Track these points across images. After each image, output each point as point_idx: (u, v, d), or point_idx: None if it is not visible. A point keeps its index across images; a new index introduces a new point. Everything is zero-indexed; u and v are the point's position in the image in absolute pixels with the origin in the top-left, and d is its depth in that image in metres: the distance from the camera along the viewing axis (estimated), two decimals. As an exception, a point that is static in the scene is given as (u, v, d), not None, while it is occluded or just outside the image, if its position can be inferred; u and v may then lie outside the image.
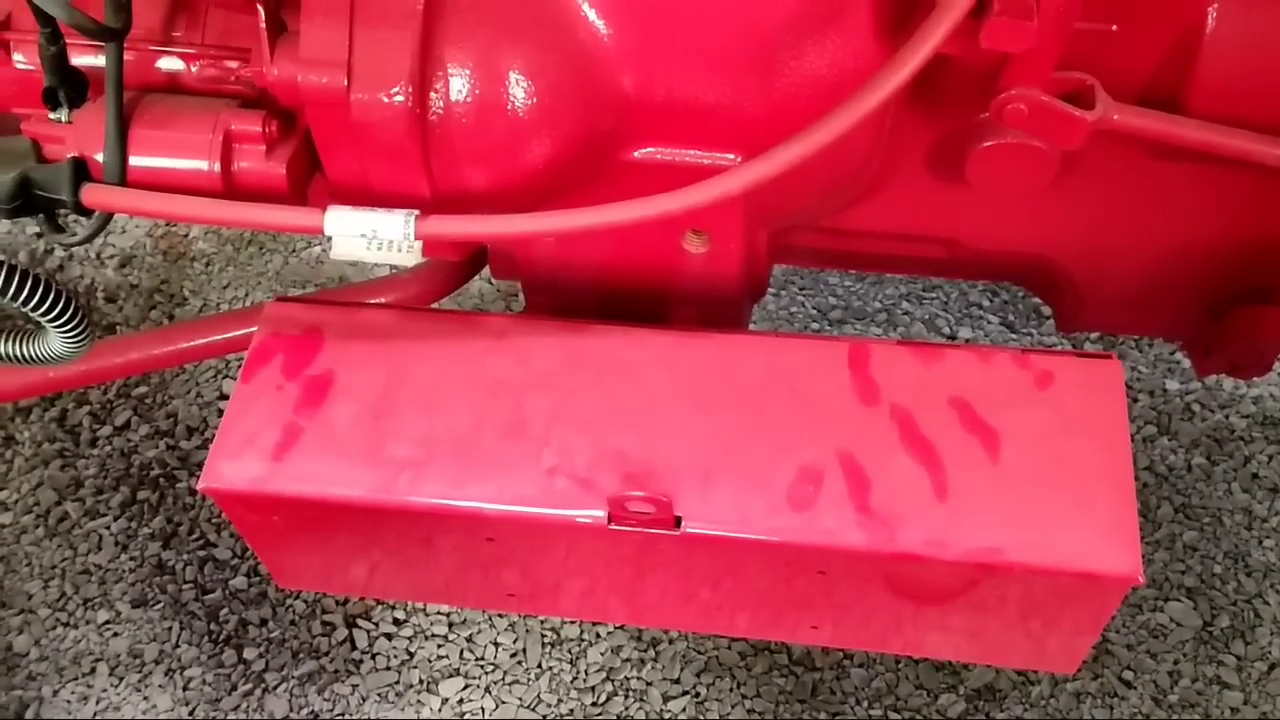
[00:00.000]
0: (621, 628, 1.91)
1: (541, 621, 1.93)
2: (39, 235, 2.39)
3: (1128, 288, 1.38)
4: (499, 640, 1.92)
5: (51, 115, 1.14)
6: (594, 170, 1.17)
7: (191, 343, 1.53)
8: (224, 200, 1.11)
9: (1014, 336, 2.21)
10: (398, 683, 1.89)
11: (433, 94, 1.08)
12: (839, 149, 1.03)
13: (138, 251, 2.39)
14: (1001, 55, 1.05)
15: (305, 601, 1.97)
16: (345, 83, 1.05)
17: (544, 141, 1.11)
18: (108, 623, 1.96)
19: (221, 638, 1.94)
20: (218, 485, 1.14)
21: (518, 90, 1.09)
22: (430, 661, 1.91)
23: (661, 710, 1.85)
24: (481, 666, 1.90)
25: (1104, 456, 1.11)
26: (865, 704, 1.84)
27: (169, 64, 1.18)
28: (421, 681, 1.89)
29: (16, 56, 1.20)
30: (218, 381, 2.20)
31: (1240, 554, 1.97)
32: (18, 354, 1.28)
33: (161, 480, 2.10)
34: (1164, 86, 1.16)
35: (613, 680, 1.88)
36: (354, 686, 1.89)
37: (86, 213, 1.13)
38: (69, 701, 1.89)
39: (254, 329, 1.24)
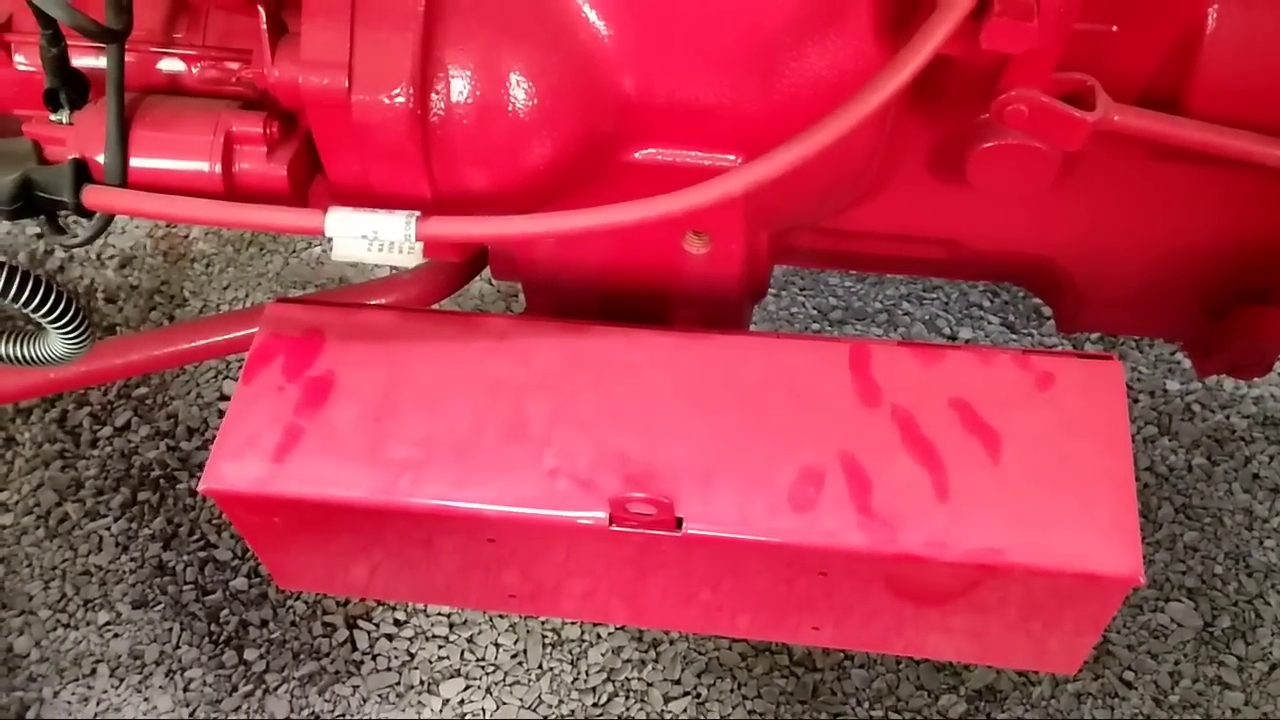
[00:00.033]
0: (622, 628, 1.91)
1: (542, 622, 1.93)
2: (39, 236, 2.39)
3: (1128, 288, 1.38)
4: (500, 641, 1.92)
5: (53, 117, 1.14)
6: (595, 171, 1.17)
7: (192, 344, 1.54)
8: (225, 202, 1.11)
9: (1014, 337, 2.21)
10: (398, 684, 1.89)
11: (434, 95, 1.08)
12: (840, 150, 1.03)
13: (138, 252, 2.39)
14: (1002, 56, 1.05)
15: (306, 602, 1.97)
16: (346, 84, 1.05)
17: (545, 143, 1.11)
18: (108, 624, 1.96)
19: (222, 639, 1.94)
20: (219, 486, 1.14)
21: (519, 91, 1.09)
22: (431, 662, 1.91)
23: (662, 711, 1.85)
24: (482, 667, 1.90)
25: (1105, 457, 1.11)
26: (866, 705, 1.84)
27: (170, 65, 1.18)
28: (422, 682, 1.89)
29: (18, 58, 1.20)
30: (218, 382, 2.20)
31: (1241, 554, 1.97)
32: (18, 355, 1.28)
33: (162, 481, 2.10)
34: (1164, 87, 1.16)
35: (613, 681, 1.88)
36: (355, 687, 1.89)
37: (88, 214, 1.14)
38: (69, 703, 1.89)
39: (254, 330, 1.24)
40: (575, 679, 1.88)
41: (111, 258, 2.38)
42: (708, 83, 1.12)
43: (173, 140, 1.12)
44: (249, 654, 1.92)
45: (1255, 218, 1.28)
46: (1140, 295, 1.38)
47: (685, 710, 1.85)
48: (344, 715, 1.87)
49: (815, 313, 2.26)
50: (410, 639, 1.93)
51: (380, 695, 1.88)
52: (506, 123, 1.09)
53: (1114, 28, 1.13)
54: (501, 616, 1.94)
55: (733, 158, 1.17)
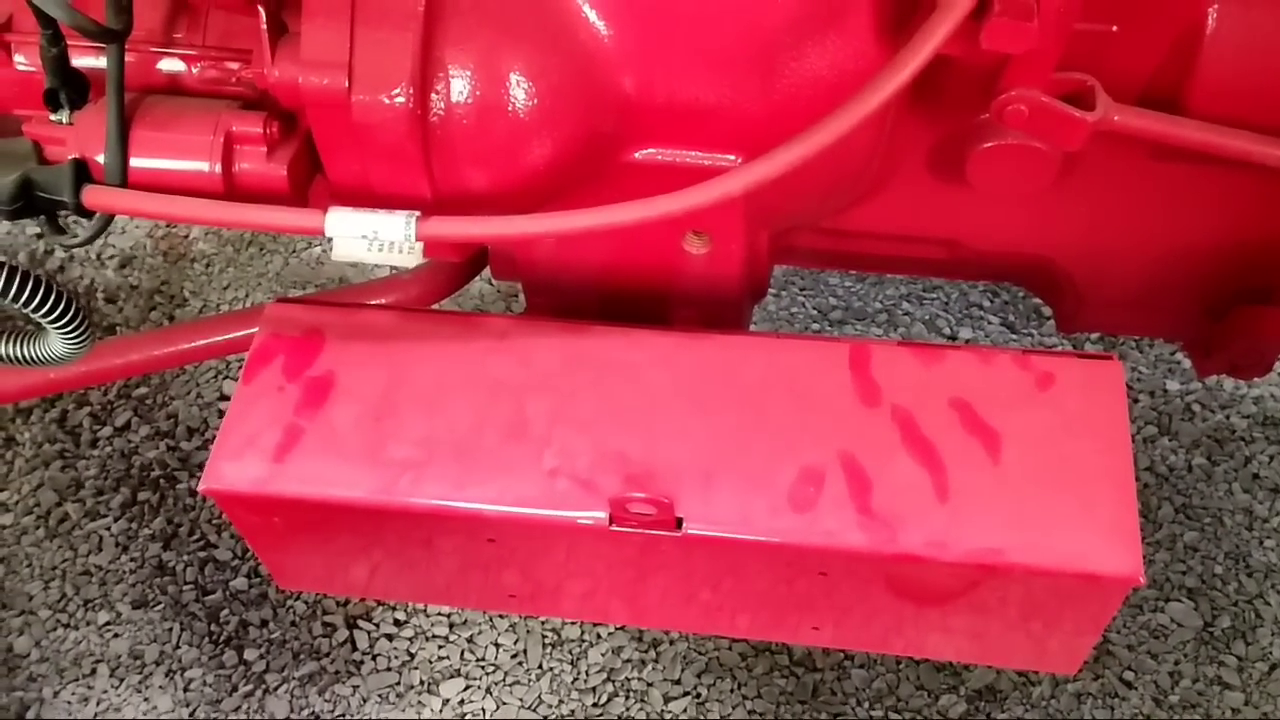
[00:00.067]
0: (622, 628, 1.91)
1: (542, 622, 1.93)
2: (39, 236, 2.39)
3: (1128, 288, 1.38)
4: (500, 641, 1.92)
5: (53, 117, 1.14)
6: (595, 171, 1.17)
7: (192, 344, 1.54)
8: (225, 202, 1.11)
9: (1014, 337, 2.21)
10: (399, 684, 1.89)
11: (434, 95, 1.08)
12: (840, 150, 1.03)
13: (138, 252, 2.39)
14: (1002, 56, 1.05)
15: (306, 602, 1.97)
16: (346, 84, 1.05)
17: (545, 143, 1.11)
18: (108, 624, 1.96)
19: (222, 639, 1.94)
20: (219, 486, 1.14)
21: (519, 92, 1.09)
22: (431, 662, 1.91)
23: (662, 711, 1.85)
24: (482, 667, 1.90)
25: (1105, 457, 1.11)
26: (866, 705, 1.84)
27: (170, 65, 1.18)
28: (422, 682, 1.89)
29: (18, 58, 1.20)
30: (218, 382, 2.20)
31: (1241, 554, 1.97)
32: (18, 355, 1.28)
33: (162, 481, 2.10)
34: (1164, 87, 1.16)
35: (614, 681, 1.88)
36: (355, 687, 1.89)
37: (88, 214, 1.14)
38: (69, 703, 1.89)
39: (254, 330, 1.24)
40: (575, 679, 1.88)
41: (111, 258, 2.38)
42: (708, 83, 1.12)
43: (173, 140, 1.12)
44: (249, 654, 1.92)
45: (1255, 218, 1.28)
46: (1140, 295, 1.39)
47: (685, 710, 1.85)
48: (344, 715, 1.87)
49: (815, 313, 2.26)
50: (410, 639, 1.93)
51: (380, 695, 1.88)
52: (506, 123, 1.09)
53: (1114, 28, 1.13)
54: (501, 616, 1.94)
55: (733, 158, 1.17)
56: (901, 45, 1.01)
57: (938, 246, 1.39)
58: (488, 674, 1.90)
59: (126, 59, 1.11)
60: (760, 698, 1.86)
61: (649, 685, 1.87)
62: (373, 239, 1.09)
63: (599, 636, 1.92)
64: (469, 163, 1.11)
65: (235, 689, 1.89)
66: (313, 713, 1.87)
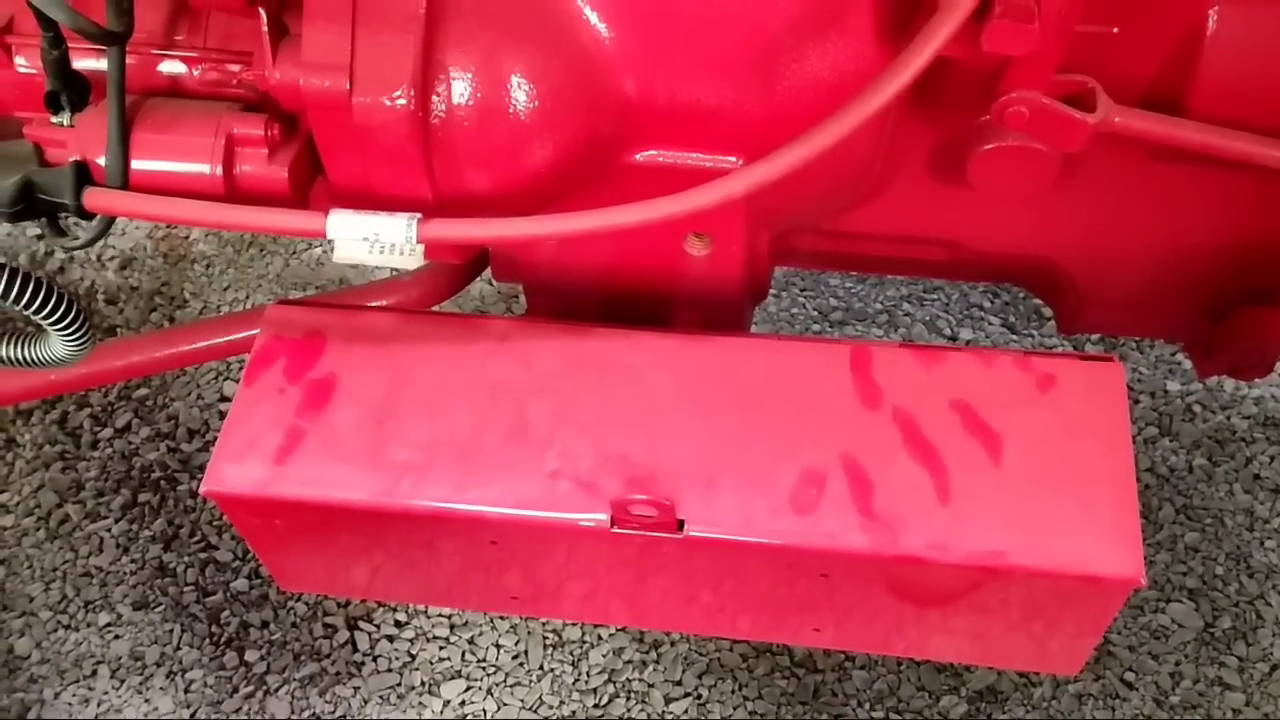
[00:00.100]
0: (623, 630, 1.91)
1: (543, 623, 1.93)
2: (40, 238, 2.39)
3: (1129, 289, 1.38)
4: (500, 642, 1.92)
5: (53, 119, 1.14)
6: (596, 173, 1.17)
7: (193, 345, 1.54)
8: (226, 204, 1.11)
9: (1015, 338, 2.21)
10: (399, 685, 1.89)
11: (435, 97, 1.08)
12: (841, 152, 1.03)
13: (138, 254, 2.39)
14: (1003, 58, 1.05)
15: (306, 604, 1.97)
16: (347, 86, 1.05)
17: (546, 145, 1.11)
18: (109, 625, 1.96)
19: (223, 640, 1.94)
20: (220, 489, 1.14)
21: (520, 94, 1.09)
22: (432, 663, 1.91)
23: (663, 712, 1.85)
24: (483, 668, 1.90)
25: (1106, 459, 1.11)
26: (867, 706, 1.85)
27: (171, 68, 1.18)
28: (423, 683, 1.89)
29: (18, 60, 1.20)
30: (219, 384, 2.20)
31: (1242, 555, 1.97)
32: (19, 357, 1.28)
33: (162, 483, 2.10)
34: (1165, 89, 1.16)
35: (615, 682, 1.88)
36: (356, 689, 1.89)
37: (89, 216, 1.13)
38: (70, 704, 1.89)
39: (255, 331, 1.24)
40: (576, 680, 1.88)
41: (112, 259, 2.38)
42: (709, 85, 1.12)
43: (174, 142, 1.12)
44: (250, 655, 1.92)
45: (1256, 219, 1.28)
46: (1141, 296, 1.39)
47: (686, 711, 1.85)
48: (345, 716, 1.87)
49: (816, 314, 2.26)
50: (411, 640, 1.93)
51: (381, 696, 1.88)
52: (508, 125, 1.09)
53: (1115, 29, 1.13)
54: (502, 618, 1.94)
55: (734, 159, 1.17)
56: (902, 47, 1.01)
57: (939, 248, 1.39)
58: (489, 675, 1.90)
59: (127, 61, 1.11)
60: (761, 699, 1.86)
61: (650, 686, 1.87)
62: (374, 241, 1.09)
63: (600, 637, 1.92)
64: (470, 165, 1.11)
65: (236, 690, 1.89)
66: (313, 714, 1.87)
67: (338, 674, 1.90)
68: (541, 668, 1.90)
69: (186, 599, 1.98)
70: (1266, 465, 2.05)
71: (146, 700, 1.89)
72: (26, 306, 1.15)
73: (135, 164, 1.12)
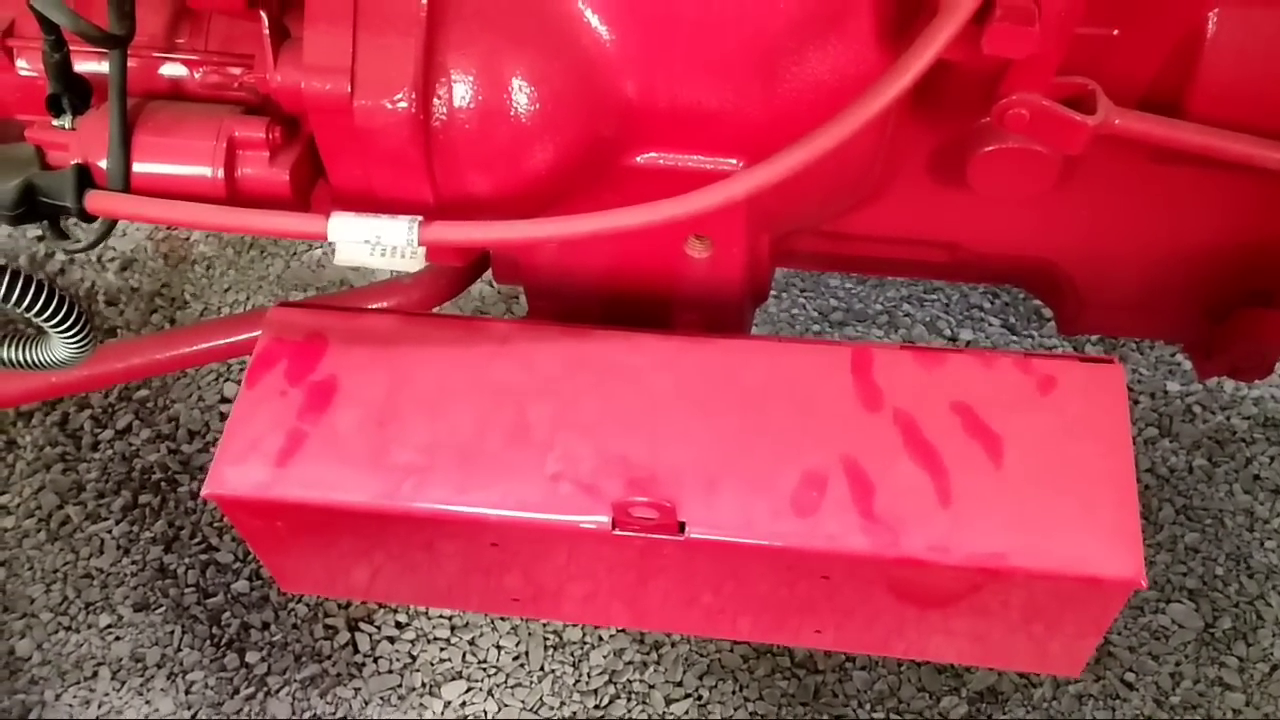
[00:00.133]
0: (624, 631, 1.92)
1: (544, 624, 1.93)
2: (40, 239, 2.39)
3: (1129, 291, 1.38)
4: (501, 643, 1.92)
5: (55, 122, 1.14)
6: (597, 175, 1.18)
7: (194, 347, 1.54)
8: (228, 207, 1.11)
9: (1015, 338, 2.21)
10: (400, 686, 1.89)
11: (436, 100, 1.08)
12: (842, 154, 1.03)
13: (139, 255, 2.39)
14: (1003, 61, 1.05)
15: (307, 605, 1.97)
16: (349, 89, 1.06)
17: (547, 147, 1.11)
18: (110, 626, 1.96)
19: (224, 641, 1.94)
20: (222, 491, 1.14)
21: (521, 96, 1.09)
22: (433, 665, 1.91)
23: (664, 713, 1.85)
24: (484, 669, 1.90)
25: (1106, 461, 1.11)
26: (868, 706, 1.85)
27: (172, 71, 1.18)
28: (424, 685, 1.89)
29: (20, 63, 1.20)
30: (219, 385, 2.20)
31: (1242, 555, 1.97)
32: (21, 359, 1.28)
33: (163, 484, 2.10)
34: (1165, 91, 1.16)
35: (615, 683, 1.88)
36: (356, 690, 1.89)
37: (90, 219, 1.13)
38: (71, 705, 1.89)
39: (256, 333, 1.24)
40: (577, 681, 1.89)
41: (112, 260, 2.38)
42: (710, 87, 1.13)
43: (175, 145, 1.12)
44: (250, 656, 1.93)
45: (1256, 221, 1.28)
46: (1141, 298, 1.39)
47: (687, 712, 1.85)
48: (346, 717, 1.87)
49: (816, 314, 2.26)
50: (412, 641, 1.93)
51: (382, 697, 1.88)
52: (509, 127, 1.10)
53: (1115, 32, 1.13)
54: (503, 619, 1.94)
55: (734, 162, 1.17)
56: (903, 50, 1.01)
57: (939, 249, 1.39)
58: (489, 676, 1.90)
59: (129, 64, 1.11)
60: (762, 699, 1.86)
61: (651, 687, 1.87)
62: (375, 244, 1.09)
63: (601, 638, 1.92)
64: (471, 167, 1.11)
65: (237, 691, 1.90)
66: (314, 715, 1.87)
67: (339, 675, 1.90)
68: (542, 669, 1.90)
69: (187, 600, 1.98)
70: (1266, 466, 2.06)
71: (147, 702, 1.89)
72: (28, 309, 1.15)
73: (137, 167, 1.12)
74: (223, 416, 2.15)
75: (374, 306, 1.47)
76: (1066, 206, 1.29)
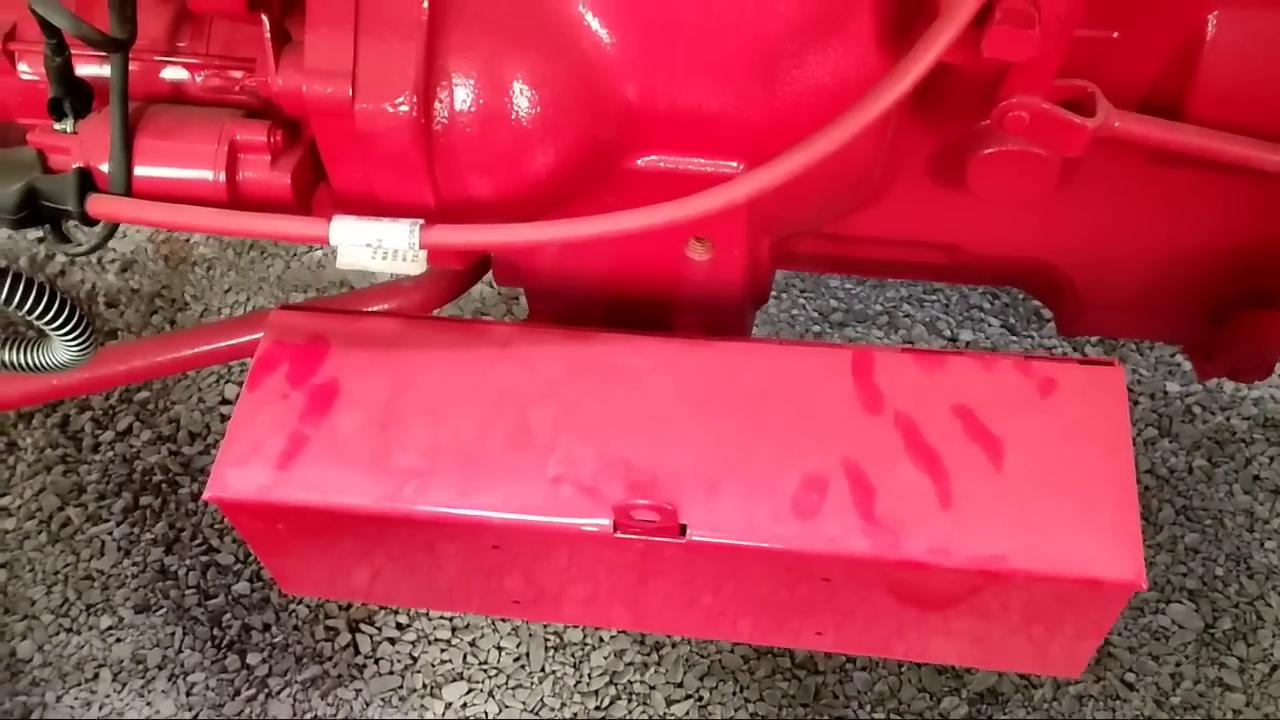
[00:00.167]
0: (625, 632, 1.92)
1: (544, 626, 1.93)
2: (40, 240, 2.40)
3: (1129, 292, 1.38)
4: (502, 644, 1.92)
5: (57, 126, 1.14)
6: (598, 178, 1.18)
7: (195, 350, 1.54)
8: (229, 210, 1.11)
9: (1014, 339, 2.22)
10: (401, 687, 1.90)
11: (437, 104, 1.08)
12: (842, 157, 1.04)
13: (139, 256, 2.39)
14: (1003, 64, 1.05)
15: (308, 606, 1.97)
16: (350, 93, 1.06)
17: (548, 151, 1.11)
18: (111, 628, 1.97)
19: (224, 643, 1.95)
20: (224, 494, 1.14)
21: (522, 100, 1.09)
22: (433, 666, 1.91)
23: (665, 714, 1.85)
24: (485, 671, 1.91)
25: (1106, 463, 1.11)
26: (868, 707, 1.85)
27: (174, 74, 1.18)
28: (425, 686, 1.89)
29: (21, 67, 1.20)
30: (220, 386, 2.20)
31: (1242, 556, 1.98)
32: (22, 362, 1.28)
33: (164, 486, 2.10)
34: (1165, 93, 1.16)
35: (616, 684, 1.88)
36: (357, 691, 1.89)
37: (92, 223, 1.14)
38: (72, 707, 1.89)
39: (258, 335, 1.24)
40: (578, 682, 1.89)
41: (112, 262, 2.38)
42: (710, 90, 1.13)
43: (177, 149, 1.12)
44: (251, 658, 1.93)
45: (1255, 222, 1.29)
46: (1141, 299, 1.39)
47: (688, 713, 1.85)
48: (346, 719, 1.87)
49: (816, 315, 2.26)
50: (413, 643, 1.93)
51: (383, 699, 1.89)
52: (510, 131, 1.10)
53: (1115, 34, 1.13)
54: (504, 620, 1.94)
55: (735, 164, 1.17)
56: (903, 53, 1.01)
57: (939, 251, 1.39)
58: (490, 677, 1.90)
59: (130, 68, 1.11)
60: (762, 700, 1.86)
61: (651, 688, 1.88)
62: (377, 247, 1.09)
63: (601, 640, 1.92)
64: (472, 171, 1.11)
65: (238, 693, 1.90)
66: (315, 716, 1.87)
67: (339, 676, 1.91)
68: (543, 670, 1.90)
69: (188, 602, 1.98)
70: (1266, 466, 2.06)
71: (148, 703, 1.89)
72: (29, 312, 1.15)
73: (138, 170, 1.12)
74: (223, 418, 2.16)
75: (375, 309, 1.47)
76: (1066, 208, 1.29)
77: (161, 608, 1.98)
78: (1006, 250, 1.37)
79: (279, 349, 1.22)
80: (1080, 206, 1.29)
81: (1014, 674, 1.86)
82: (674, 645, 1.91)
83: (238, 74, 1.17)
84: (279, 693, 1.89)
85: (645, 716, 1.85)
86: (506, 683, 1.89)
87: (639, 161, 1.18)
